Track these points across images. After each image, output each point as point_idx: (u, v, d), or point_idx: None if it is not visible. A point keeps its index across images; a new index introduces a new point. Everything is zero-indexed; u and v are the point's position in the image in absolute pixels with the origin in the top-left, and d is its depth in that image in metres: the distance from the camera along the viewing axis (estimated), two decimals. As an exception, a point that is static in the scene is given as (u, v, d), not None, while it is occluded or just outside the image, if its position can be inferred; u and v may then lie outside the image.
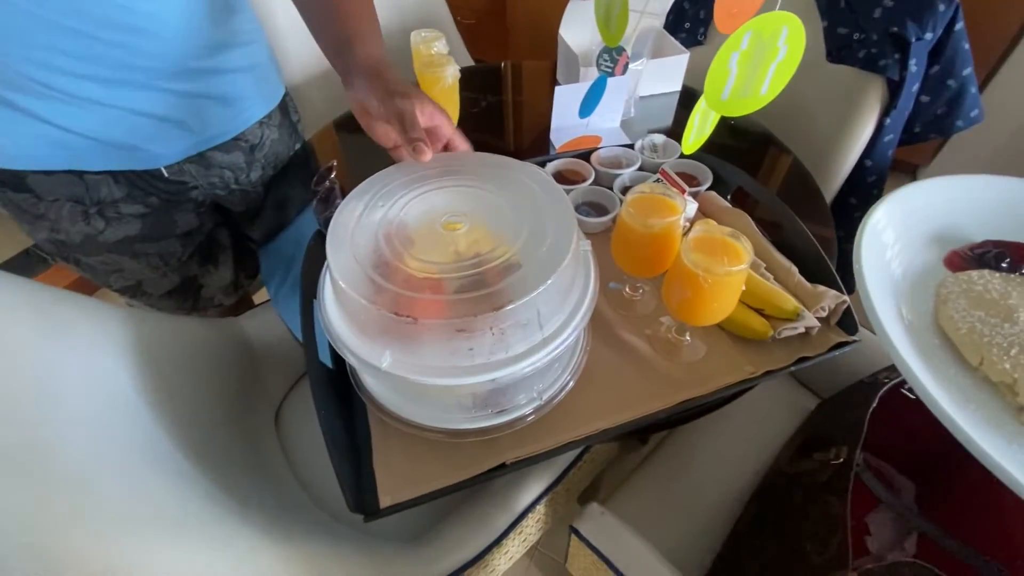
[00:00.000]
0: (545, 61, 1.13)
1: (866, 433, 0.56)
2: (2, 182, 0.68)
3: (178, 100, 0.70)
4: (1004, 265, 0.51)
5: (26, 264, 1.75)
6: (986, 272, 0.50)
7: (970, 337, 0.43)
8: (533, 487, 0.67)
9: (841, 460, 0.51)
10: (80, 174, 0.70)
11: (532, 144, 1.00)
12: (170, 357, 0.65)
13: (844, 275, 0.61)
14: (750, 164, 0.96)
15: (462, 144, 0.55)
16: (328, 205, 0.79)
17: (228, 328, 0.81)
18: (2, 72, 0.59)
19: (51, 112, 0.63)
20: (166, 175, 0.75)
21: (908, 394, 0.57)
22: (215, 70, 0.72)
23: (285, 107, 0.90)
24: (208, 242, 0.91)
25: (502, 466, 0.50)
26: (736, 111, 0.53)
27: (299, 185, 0.90)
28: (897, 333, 0.42)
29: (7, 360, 0.43)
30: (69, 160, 0.68)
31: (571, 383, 0.54)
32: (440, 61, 0.73)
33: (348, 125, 1.07)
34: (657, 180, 0.72)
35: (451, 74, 0.73)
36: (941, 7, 0.89)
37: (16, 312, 0.47)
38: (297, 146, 0.95)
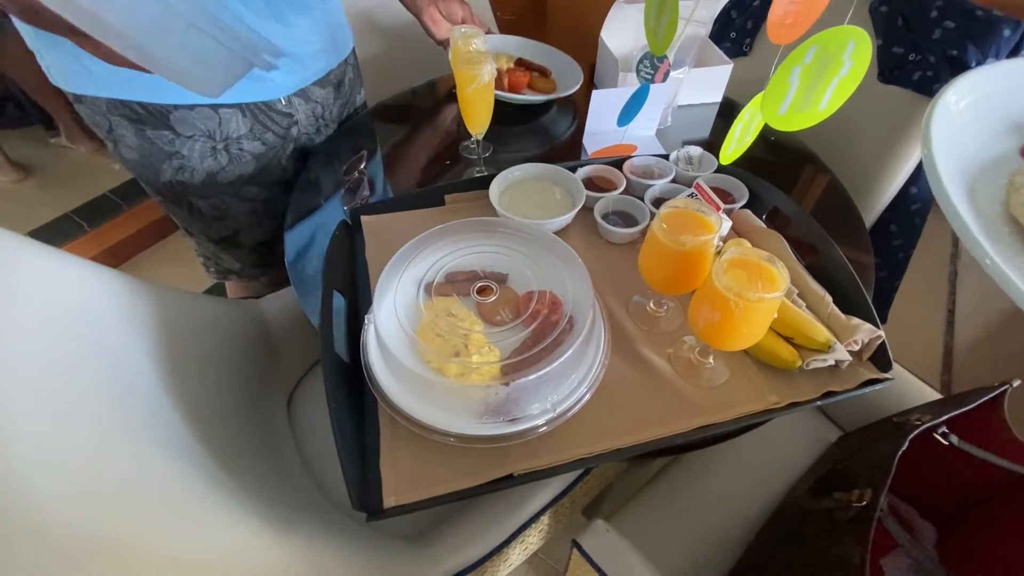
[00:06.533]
0: (583, 63, 1.12)
1: (893, 471, 0.54)
2: (143, 120, 0.77)
3: (297, 34, 0.81)
4: None
5: (106, 207, 1.87)
6: None
7: None
8: (539, 497, 0.66)
9: (864, 503, 0.49)
10: (216, 108, 0.80)
11: (564, 147, 0.99)
12: (187, 334, 0.65)
13: (876, 308, 0.58)
14: (787, 182, 0.93)
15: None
16: (355, 196, 0.79)
17: (248, 309, 0.82)
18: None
19: None
20: (282, 105, 0.87)
21: (941, 439, 0.54)
22: (320, 7, 0.83)
23: (354, 51, 1.02)
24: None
25: (509, 477, 0.49)
26: (792, 125, 0.51)
27: (365, 140, 1.01)
28: (967, 216, 0.41)
29: (23, 328, 0.44)
30: None
31: (587, 396, 0.52)
32: (478, 58, 0.72)
33: (382, 114, 1.07)
34: (691, 194, 0.70)
35: (488, 72, 0.72)
36: (1006, 32, 0.84)
37: (37, 281, 0.48)
38: (363, 93, 1.08)
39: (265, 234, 1.00)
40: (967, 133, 0.48)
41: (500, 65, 1.02)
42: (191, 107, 0.78)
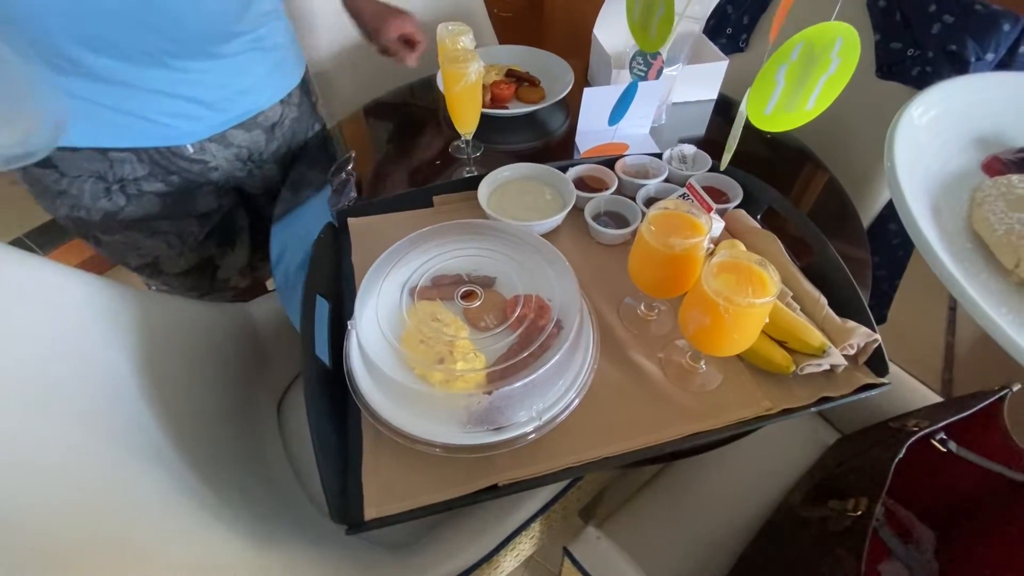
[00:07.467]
0: (578, 60, 1.10)
1: (889, 480, 0.52)
2: None
3: (203, 79, 0.71)
4: None
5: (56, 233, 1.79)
6: None
7: (1007, 239, 0.42)
8: (529, 505, 0.65)
9: (859, 513, 0.47)
10: (104, 151, 0.71)
11: (557, 145, 0.97)
12: (173, 341, 0.64)
13: (876, 307, 0.57)
14: (784, 179, 0.91)
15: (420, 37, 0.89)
16: (342, 197, 0.77)
17: (236, 313, 0.80)
18: (39, 50, 0.60)
19: (83, 88, 0.64)
20: (191, 152, 0.77)
21: (939, 446, 0.53)
22: (238, 51, 0.73)
23: (306, 86, 0.92)
24: (226, 223, 0.92)
25: (494, 487, 0.47)
26: (779, 126, 0.49)
27: (316, 167, 0.90)
28: (932, 236, 0.41)
29: (1, 336, 0.43)
30: (95, 136, 0.69)
31: (576, 402, 0.51)
32: (465, 56, 0.71)
33: (374, 112, 1.05)
34: (683, 195, 0.68)
35: (475, 70, 0.71)
36: (1005, 27, 0.82)
37: (17, 289, 0.47)
38: (317, 127, 0.96)
39: (189, 263, 0.89)
40: (931, 147, 0.48)
41: (487, 79, 1.00)
42: (73, 149, 0.69)
